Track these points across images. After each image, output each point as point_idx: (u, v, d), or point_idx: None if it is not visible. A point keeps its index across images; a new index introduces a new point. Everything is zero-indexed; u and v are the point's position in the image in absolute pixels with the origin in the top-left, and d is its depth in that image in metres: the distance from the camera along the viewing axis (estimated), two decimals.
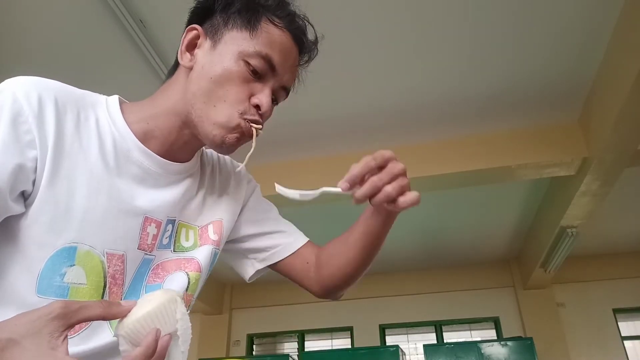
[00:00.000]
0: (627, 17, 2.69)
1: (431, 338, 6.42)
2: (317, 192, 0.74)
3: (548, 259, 5.30)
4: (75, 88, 0.73)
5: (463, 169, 3.79)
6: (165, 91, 0.78)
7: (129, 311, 0.53)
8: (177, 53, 0.77)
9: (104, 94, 0.77)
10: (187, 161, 0.81)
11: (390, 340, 6.50)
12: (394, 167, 0.66)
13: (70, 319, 0.49)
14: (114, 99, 0.77)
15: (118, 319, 0.54)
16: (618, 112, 2.93)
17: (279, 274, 0.94)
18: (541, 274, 5.66)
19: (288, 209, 4.41)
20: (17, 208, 0.63)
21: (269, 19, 0.74)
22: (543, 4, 2.69)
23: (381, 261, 5.95)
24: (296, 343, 6.74)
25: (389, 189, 0.65)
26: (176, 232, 0.80)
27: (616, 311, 6.02)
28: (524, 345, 4.96)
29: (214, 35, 0.75)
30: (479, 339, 6.21)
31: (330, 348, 6.53)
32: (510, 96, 3.43)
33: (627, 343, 5.90)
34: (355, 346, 6.38)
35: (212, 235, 0.84)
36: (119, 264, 0.70)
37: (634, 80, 2.69)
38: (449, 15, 2.77)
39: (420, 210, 5.11)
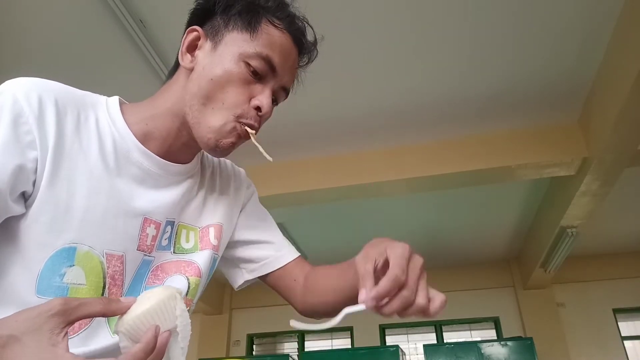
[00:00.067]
0: (627, 17, 2.69)
1: (431, 338, 6.42)
2: (338, 318, 0.68)
3: (548, 259, 5.30)
4: (76, 89, 0.73)
5: (463, 169, 3.80)
6: (165, 92, 0.78)
7: (129, 308, 0.53)
8: (178, 54, 0.77)
9: (104, 94, 0.78)
10: (188, 162, 0.81)
11: (390, 340, 6.50)
12: (416, 270, 0.61)
13: (70, 316, 0.49)
14: (114, 99, 0.77)
15: (118, 316, 0.54)
16: (618, 113, 2.93)
17: None
18: (541, 274, 5.66)
19: (288, 209, 4.40)
20: (17, 209, 0.63)
21: (269, 21, 0.74)
22: (543, 4, 2.69)
23: None
24: (296, 343, 6.74)
25: (421, 301, 0.61)
26: (176, 234, 0.80)
27: (616, 311, 6.02)
28: (524, 345, 4.96)
29: (215, 37, 0.75)
30: (479, 339, 6.21)
31: (330, 348, 6.53)
32: (510, 96, 3.43)
33: (627, 343, 5.90)
34: (355, 346, 6.38)
35: (213, 239, 0.84)
36: (118, 264, 0.70)
37: (634, 81, 2.69)
38: (448, 16, 2.77)
39: (420, 210, 5.13)
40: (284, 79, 0.77)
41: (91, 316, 0.52)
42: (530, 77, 3.27)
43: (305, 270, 0.90)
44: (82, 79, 2.99)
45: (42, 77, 0.69)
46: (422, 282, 0.61)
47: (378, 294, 0.59)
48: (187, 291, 0.79)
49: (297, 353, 6.34)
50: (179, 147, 0.78)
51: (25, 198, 0.64)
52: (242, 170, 0.98)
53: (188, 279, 0.79)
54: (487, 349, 4.92)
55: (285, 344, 6.88)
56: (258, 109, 0.74)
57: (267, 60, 0.73)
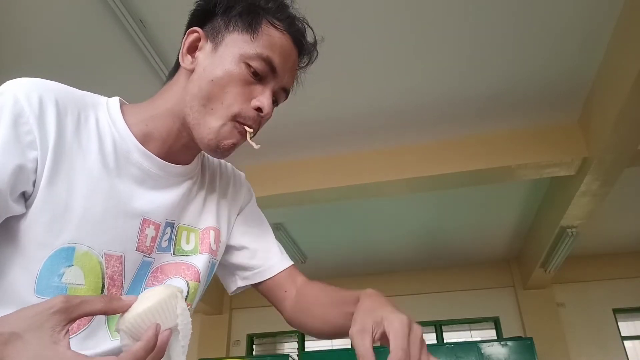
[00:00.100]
0: (627, 17, 2.69)
1: (431, 338, 6.42)
2: None
3: (548, 259, 5.30)
4: (76, 89, 0.73)
5: (463, 169, 3.80)
6: (166, 93, 0.78)
7: (130, 306, 0.54)
8: (178, 55, 0.78)
9: (104, 94, 0.78)
10: (188, 163, 0.81)
11: None
12: (417, 343, 0.61)
13: (71, 313, 0.50)
14: (115, 100, 0.77)
15: (119, 315, 0.55)
16: (618, 113, 2.93)
17: None
18: (541, 274, 5.66)
19: (288, 209, 4.39)
20: (17, 208, 0.63)
21: (269, 22, 0.75)
22: (543, 4, 2.69)
23: (381, 261, 5.95)
24: (296, 343, 6.74)
25: None
26: (176, 235, 0.80)
27: (616, 311, 6.01)
28: (524, 345, 4.96)
29: (215, 38, 0.75)
30: (479, 339, 6.21)
31: (330, 348, 6.53)
32: (510, 96, 3.43)
33: (627, 343, 5.90)
34: None
35: (213, 244, 0.84)
36: (117, 265, 0.70)
37: (634, 81, 2.69)
38: (449, 16, 2.77)
39: (420, 210, 5.13)
40: (284, 80, 0.77)
41: (92, 314, 0.52)
42: (530, 77, 3.27)
43: (297, 282, 0.90)
44: (82, 79, 2.99)
45: (42, 77, 0.69)
46: (423, 357, 0.60)
47: None
48: (187, 296, 0.79)
49: (297, 353, 6.34)
50: (179, 148, 0.78)
51: (26, 198, 0.64)
52: (242, 173, 0.98)
53: (188, 283, 0.79)
54: (487, 349, 4.92)
55: (285, 344, 6.87)
56: (259, 109, 0.74)
57: (267, 61, 0.73)
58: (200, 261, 0.82)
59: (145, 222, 0.74)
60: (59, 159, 0.66)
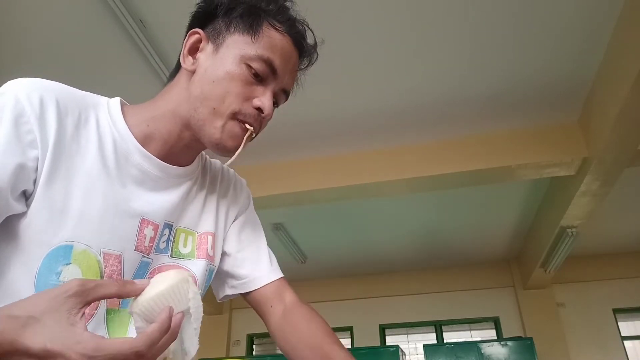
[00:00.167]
0: (627, 17, 2.69)
1: (431, 338, 6.43)
2: None
3: (548, 259, 5.30)
4: (77, 90, 0.74)
5: (463, 169, 3.80)
6: (167, 94, 0.78)
7: (143, 290, 0.55)
8: (179, 56, 0.78)
9: (104, 94, 0.78)
10: (188, 165, 0.81)
11: (390, 340, 6.50)
12: None
13: (87, 297, 0.51)
14: (116, 100, 0.77)
15: (132, 298, 0.56)
16: (618, 113, 2.94)
17: None
18: (541, 274, 5.66)
19: (288, 209, 4.38)
20: (18, 207, 0.63)
21: (270, 24, 0.75)
22: (543, 4, 2.69)
23: (381, 261, 5.94)
24: None
25: None
26: (174, 238, 0.80)
27: (616, 311, 6.02)
28: (524, 345, 4.96)
29: (216, 39, 0.76)
30: (479, 339, 6.21)
31: None
32: (510, 96, 3.43)
33: (627, 343, 5.90)
34: (355, 346, 6.37)
35: (210, 250, 0.84)
36: (116, 264, 0.71)
37: (634, 81, 2.69)
38: (449, 16, 2.77)
39: (420, 210, 5.13)
40: (285, 81, 0.77)
41: (107, 297, 0.54)
42: (530, 77, 3.27)
43: (285, 300, 0.88)
44: (82, 79, 2.99)
45: (42, 77, 0.69)
46: None
47: None
48: None
49: None
50: (180, 149, 0.78)
51: (26, 197, 0.65)
52: (244, 180, 0.98)
53: None
54: (487, 349, 4.92)
55: None
56: (259, 110, 0.74)
57: (268, 63, 0.74)
58: (197, 267, 0.82)
59: (143, 222, 0.74)
60: (59, 159, 0.66)
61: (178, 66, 0.79)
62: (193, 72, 0.75)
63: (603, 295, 6.04)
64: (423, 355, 5.11)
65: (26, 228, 0.64)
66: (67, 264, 0.65)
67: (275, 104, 0.79)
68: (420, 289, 6.56)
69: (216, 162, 0.94)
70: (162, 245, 0.78)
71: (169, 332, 0.53)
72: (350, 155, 4.02)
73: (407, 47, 3.00)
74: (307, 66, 0.82)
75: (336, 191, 4.08)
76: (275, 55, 0.74)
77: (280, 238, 5.45)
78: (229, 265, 0.90)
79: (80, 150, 0.69)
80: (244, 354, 6.60)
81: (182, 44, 0.78)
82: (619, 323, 5.98)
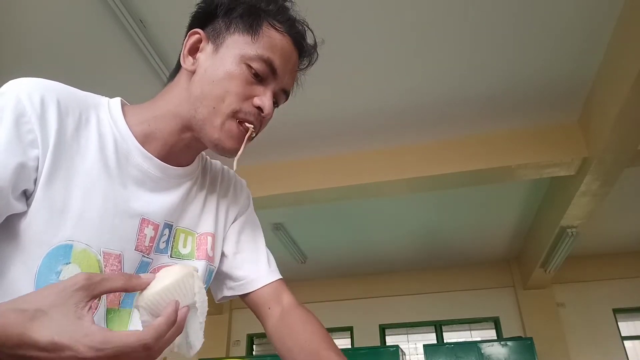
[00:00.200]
0: (627, 17, 2.69)
1: (431, 338, 6.43)
2: None
3: (548, 259, 5.30)
4: (78, 90, 0.74)
5: (463, 169, 3.80)
6: (167, 94, 0.79)
7: (148, 284, 0.56)
8: (180, 56, 0.78)
9: (104, 94, 0.78)
10: (188, 165, 0.82)
11: (390, 340, 6.50)
12: None
13: (93, 290, 0.51)
14: (116, 101, 0.77)
15: (137, 292, 0.57)
16: (618, 112, 2.94)
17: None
18: (541, 274, 5.66)
19: (288, 209, 4.38)
20: (19, 206, 0.64)
21: (270, 24, 0.75)
22: (543, 4, 2.69)
23: (381, 261, 5.93)
24: None
25: None
26: (174, 238, 0.81)
27: (616, 311, 6.02)
28: (524, 345, 4.96)
29: (216, 39, 0.76)
30: (479, 339, 6.21)
31: None
32: (510, 96, 3.43)
33: (627, 343, 5.90)
34: (355, 346, 6.38)
35: (209, 250, 0.84)
36: (116, 263, 0.71)
37: (634, 81, 2.69)
38: (449, 16, 2.77)
39: (420, 210, 5.13)
40: (285, 81, 0.77)
41: (113, 291, 0.54)
42: (530, 77, 3.27)
43: (283, 302, 0.88)
44: (82, 79, 2.99)
45: (42, 77, 0.69)
46: None
47: None
48: None
49: None
50: (180, 149, 0.78)
51: (27, 196, 0.65)
52: (244, 181, 0.98)
53: None
54: (487, 349, 4.92)
55: None
56: (259, 109, 0.74)
57: (268, 63, 0.74)
58: (199, 266, 0.82)
59: (144, 221, 0.74)
60: (59, 158, 0.66)
61: (178, 66, 0.79)
62: (193, 72, 0.75)
63: (603, 295, 6.04)
64: (423, 355, 5.12)
65: (26, 228, 0.64)
66: (67, 263, 0.65)
67: (275, 104, 0.79)
68: (420, 289, 6.56)
69: (216, 162, 0.94)
70: (162, 246, 0.78)
71: (175, 325, 0.54)
72: (350, 155, 4.02)
73: (407, 47, 3.00)
74: (307, 66, 0.82)
75: (336, 191, 4.08)
76: (275, 55, 0.74)
77: (280, 238, 5.45)
78: (227, 267, 0.90)
79: (80, 150, 0.69)
80: (244, 354, 6.60)
81: (182, 44, 0.78)
82: (619, 323, 5.98)
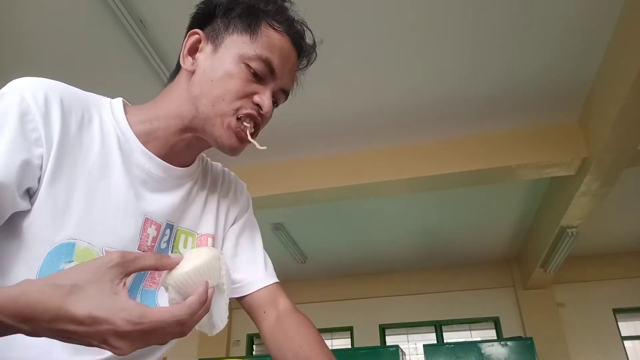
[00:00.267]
0: (627, 17, 2.69)
1: (431, 338, 6.43)
2: None
3: (548, 259, 5.30)
4: (80, 90, 0.74)
5: (463, 169, 3.80)
6: (167, 95, 0.79)
7: (177, 264, 0.58)
8: (179, 57, 0.78)
9: (104, 94, 0.79)
10: (189, 164, 0.82)
11: (390, 340, 6.50)
12: None
13: (127, 268, 0.53)
14: (118, 101, 0.78)
15: (165, 271, 0.59)
16: (618, 113, 2.94)
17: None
18: (541, 274, 5.66)
19: (288, 209, 4.37)
20: (23, 204, 0.64)
21: (268, 24, 0.76)
22: (543, 4, 2.69)
23: (381, 261, 5.93)
24: None
25: None
26: (174, 238, 0.81)
27: (616, 311, 6.02)
28: (524, 345, 4.96)
29: (215, 40, 0.76)
30: (479, 339, 6.21)
31: (330, 348, 6.52)
32: (510, 96, 3.43)
33: (627, 343, 5.90)
34: (355, 346, 6.38)
35: None
36: None
37: (634, 80, 2.69)
38: (448, 16, 2.77)
39: (420, 210, 5.13)
40: (284, 81, 0.78)
41: (145, 269, 0.56)
42: (530, 77, 3.27)
43: (278, 306, 0.88)
44: (82, 78, 2.99)
45: (42, 77, 0.69)
46: None
47: None
48: None
49: None
50: (181, 149, 0.79)
51: (30, 195, 0.65)
52: (244, 183, 0.98)
53: None
54: (487, 349, 4.92)
55: None
56: (259, 107, 0.75)
57: (266, 63, 0.74)
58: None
59: (147, 221, 0.75)
60: (62, 157, 0.67)
61: (178, 67, 0.79)
62: (193, 72, 0.76)
63: (603, 295, 6.04)
64: (423, 355, 5.12)
65: (29, 226, 0.65)
66: (69, 262, 0.66)
67: (275, 103, 0.79)
68: (420, 289, 6.56)
69: (217, 164, 0.95)
70: (163, 246, 0.79)
71: (205, 305, 0.56)
72: (350, 155, 4.02)
73: (407, 47, 3.00)
74: (306, 66, 0.82)
75: (336, 191, 4.08)
76: (273, 55, 0.75)
77: (280, 238, 5.45)
78: None
79: (83, 149, 0.70)
80: (244, 354, 6.60)
81: (182, 44, 0.78)
82: (619, 323, 5.98)
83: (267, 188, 3.94)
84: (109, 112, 0.75)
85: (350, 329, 6.59)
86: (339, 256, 6.19)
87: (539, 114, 3.61)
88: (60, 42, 2.90)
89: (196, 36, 0.77)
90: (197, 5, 0.80)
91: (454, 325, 6.48)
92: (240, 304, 0.91)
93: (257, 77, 0.74)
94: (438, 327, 6.46)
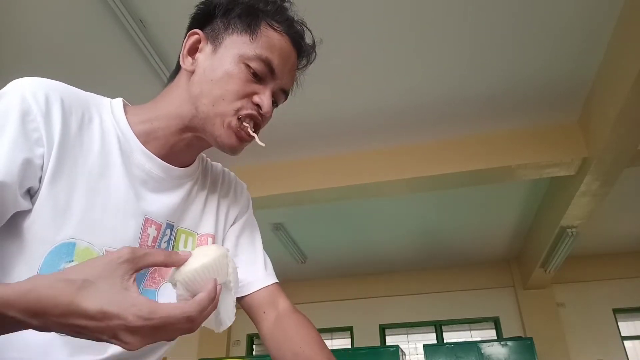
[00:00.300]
0: (627, 17, 2.69)
1: (431, 338, 6.43)
2: None
3: (548, 259, 5.30)
4: (80, 90, 0.74)
5: (463, 169, 3.80)
6: (167, 95, 0.79)
7: (186, 261, 0.59)
8: (179, 57, 0.79)
9: (104, 94, 0.79)
10: (189, 165, 0.82)
11: (390, 340, 6.50)
12: None
13: (137, 264, 0.53)
14: (118, 101, 0.78)
15: (173, 268, 0.59)
16: (618, 113, 2.94)
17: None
18: (541, 274, 5.66)
19: (288, 209, 4.37)
20: (25, 204, 0.64)
21: (268, 24, 0.76)
22: (543, 4, 2.69)
23: (381, 261, 5.93)
24: None
25: None
26: (175, 238, 0.81)
27: (616, 311, 6.02)
28: (524, 345, 4.96)
29: (215, 40, 0.76)
30: (479, 339, 6.21)
31: (330, 348, 6.51)
32: (510, 96, 3.43)
33: (627, 343, 5.90)
34: (355, 346, 6.38)
35: None
36: None
37: (634, 80, 2.69)
38: (448, 16, 2.77)
39: (420, 210, 5.13)
40: (283, 81, 0.78)
41: (154, 265, 0.57)
42: (530, 77, 3.27)
43: (278, 307, 0.88)
44: (82, 78, 2.99)
45: (42, 77, 0.69)
46: None
47: None
48: None
49: None
50: (181, 149, 0.79)
51: (31, 195, 0.65)
52: (244, 184, 0.99)
53: None
54: (487, 349, 4.92)
55: None
56: (259, 107, 0.75)
57: (266, 63, 0.74)
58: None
59: (147, 221, 0.75)
60: (63, 157, 0.67)
61: (178, 67, 0.80)
62: (192, 72, 0.76)
63: (603, 295, 6.04)
64: (423, 355, 5.12)
65: (30, 226, 0.65)
66: (69, 261, 0.66)
67: (275, 103, 0.79)
68: (420, 289, 6.57)
69: (217, 165, 0.95)
70: (163, 246, 0.79)
71: (213, 302, 0.56)
72: (350, 155, 4.02)
73: (407, 47, 3.00)
74: (305, 66, 0.82)
75: (336, 191, 4.08)
76: (273, 54, 0.75)
77: (280, 238, 5.45)
78: None
79: (84, 149, 0.70)
80: (244, 354, 6.60)
81: (182, 44, 0.78)
82: (619, 323, 5.98)
83: (267, 188, 3.94)
84: (109, 112, 0.75)
85: (350, 329, 6.59)
86: (339, 256, 6.19)
87: (539, 114, 3.61)
88: (60, 42, 2.90)
89: (196, 36, 0.77)
90: (197, 5, 0.80)
91: (454, 325, 6.48)
92: (239, 304, 0.91)
93: (257, 77, 0.74)
94: (438, 327, 6.46)
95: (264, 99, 0.74)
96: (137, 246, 0.73)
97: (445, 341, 6.28)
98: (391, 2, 2.68)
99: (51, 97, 0.67)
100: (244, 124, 0.74)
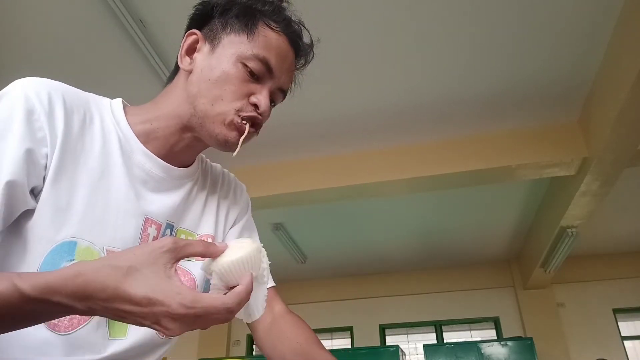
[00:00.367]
0: (627, 17, 2.69)
1: (431, 338, 6.43)
2: None
3: (548, 259, 5.30)
4: (80, 90, 0.75)
5: (463, 169, 3.80)
6: (166, 95, 0.80)
7: (223, 252, 0.60)
8: (177, 57, 0.79)
9: (104, 94, 0.79)
10: (188, 165, 0.83)
11: (390, 340, 6.50)
12: None
13: (178, 253, 0.54)
14: (118, 101, 0.78)
15: (208, 259, 0.60)
16: (618, 112, 2.94)
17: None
18: (541, 274, 5.66)
19: (288, 209, 4.38)
20: (32, 202, 0.64)
21: (265, 23, 0.76)
22: (543, 4, 2.69)
23: (381, 261, 5.94)
24: None
25: None
26: None
27: (616, 311, 6.02)
28: (524, 345, 4.96)
29: (213, 40, 0.77)
30: (479, 339, 6.21)
31: (330, 348, 6.52)
32: (510, 96, 3.44)
33: (627, 343, 5.90)
34: (355, 346, 6.38)
35: None
36: None
37: (634, 80, 2.69)
38: (448, 16, 2.77)
39: (420, 210, 5.13)
40: (281, 80, 0.78)
41: (194, 255, 0.57)
42: (530, 77, 3.27)
43: (274, 310, 0.89)
44: (82, 78, 2.99)
45: (42, 77, 0.69)
46: None
47: None
48: None
49: None
50: (180, 149, 0.79)
51: (35, 194, 0.66)
52: (244, 185, 0.99)
53: None
54: (487, 349, 4.93)
55: None
56: (256, 106, 0.75)
57: (264, 62, 0.75)
58: (197, 269, 0.82)
59: (147, 221, 0.75)
60: (65, 157, 0.67)
61: (177, 67, 0.80)
62: (190, 72, 0.76)
63: (603, 295, 6.04)
64: (423, 355, 5.12)
65: (32, 225, 0.65)
66: (70, 260, 0.66)
67: (273, 102, 0.79)
68: (420, 289, 6.57)
69: (217, 165, 0.95)
70: None
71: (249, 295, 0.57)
72: (350, 155, 4.02)
73: (406, 46, 3.00)
74: (303, 65, 0.82)
75: (336, 191, 4.08)
76: (271, 54, 0.75)
77: (280, 238, 5.45)
78: None
79: (85, 148, 0.70)
80: (244, 354, 6.60)
81: (180, 44, 0.79)
82: (619, 323, 5.99)
83: (267, 188, 3.94)
84: (109, 112, 0.75)
85: (350, 329, 6.59)
86: (339, 256, 6.19)
87: (539, 114, 3.61)
88: (60, 42, 2.90)
89: (194, 36, 0.78)
90: (195, 5, 0.80)
91: (454, 325, 6.48)
92: None
93: (255, 77, 0.75)
94: (438, 327, 6.46)
95: (261, 98, 0.74)
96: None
97: (445, 341, 6.29)
98: (391, 2, 2.68)
99: (54, 97, 0.67)
100: (243, 122, 0.74)
